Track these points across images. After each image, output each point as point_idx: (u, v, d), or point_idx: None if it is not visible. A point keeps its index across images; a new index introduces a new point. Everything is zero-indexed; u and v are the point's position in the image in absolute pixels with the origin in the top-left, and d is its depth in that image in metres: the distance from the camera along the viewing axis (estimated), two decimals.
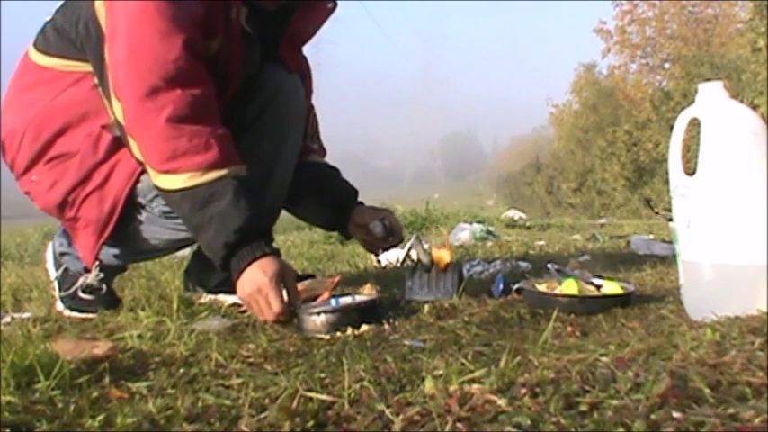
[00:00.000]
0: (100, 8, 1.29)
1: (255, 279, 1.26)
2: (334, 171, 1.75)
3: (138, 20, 1.25)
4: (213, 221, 1.25)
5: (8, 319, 1.46)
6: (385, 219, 1.63)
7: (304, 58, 1.75)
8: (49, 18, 1.44)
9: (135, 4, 1.25)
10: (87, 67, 1.37)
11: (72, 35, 1.37)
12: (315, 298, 1.47)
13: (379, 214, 1.65)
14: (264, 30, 1.50)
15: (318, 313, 1.27)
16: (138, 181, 1.38)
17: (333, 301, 1.35)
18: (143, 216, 1.43)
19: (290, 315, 1.30)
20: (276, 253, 1.31)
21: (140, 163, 1.30)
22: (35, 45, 1.44)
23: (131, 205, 1.41)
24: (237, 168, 1.29)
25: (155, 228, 1.45)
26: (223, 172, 1.26)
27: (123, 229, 1.43)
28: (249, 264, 1.27)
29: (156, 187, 1.29)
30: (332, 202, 1.71)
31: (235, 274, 1.28)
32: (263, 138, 1.49)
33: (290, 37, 1.59)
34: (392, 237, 1.64)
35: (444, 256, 1.57)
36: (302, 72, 1.71)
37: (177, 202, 1.27)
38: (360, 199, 1.74)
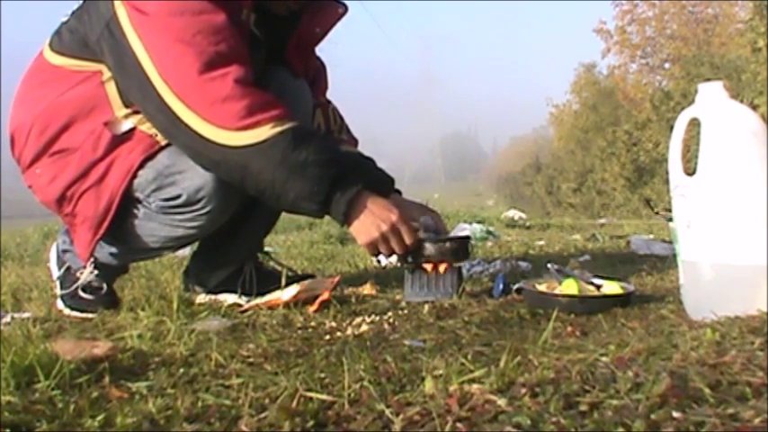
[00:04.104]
0: (120, 7, 1.29)
1: (389, 214, 1.36)
2: (370, 159, 1.66)
3: (176, 5, 1.28)
4: (311, 160, 1.28)
5: (8, 319, 1.47)
6: (431, 217, 1.55)
7: (318, 57, 1.75)
8: (65, 19, 1.45)
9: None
10: (96, 66, 1.37)
11: (82, 33, 1.37)
12: (315, 298, 1.47)
13: (425, 211, 1.56)
14: (272, 33, 1.50)
15: (444, 241, 1.47)
16: (135, 176, 1.38)
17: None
18: (140, 212, 1.43)
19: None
20: None
21: (189, 145, 1.29)
22: (50, 45, 1.45)
23: (129, 202, 1.41)
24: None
25: (152, 224, 1.44)
26: (296, 123, 1.30)
27: (121, 226, 1.43)
28: (367, 198, 1.34)
29: (232, 148, 1.26)
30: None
31: (351, 209, 1.33)
32: None
33: (298, 41, 1.59)
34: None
35: None
36: (313, 73, 1.71)
37: (264, 152, 1.26)
38: None
